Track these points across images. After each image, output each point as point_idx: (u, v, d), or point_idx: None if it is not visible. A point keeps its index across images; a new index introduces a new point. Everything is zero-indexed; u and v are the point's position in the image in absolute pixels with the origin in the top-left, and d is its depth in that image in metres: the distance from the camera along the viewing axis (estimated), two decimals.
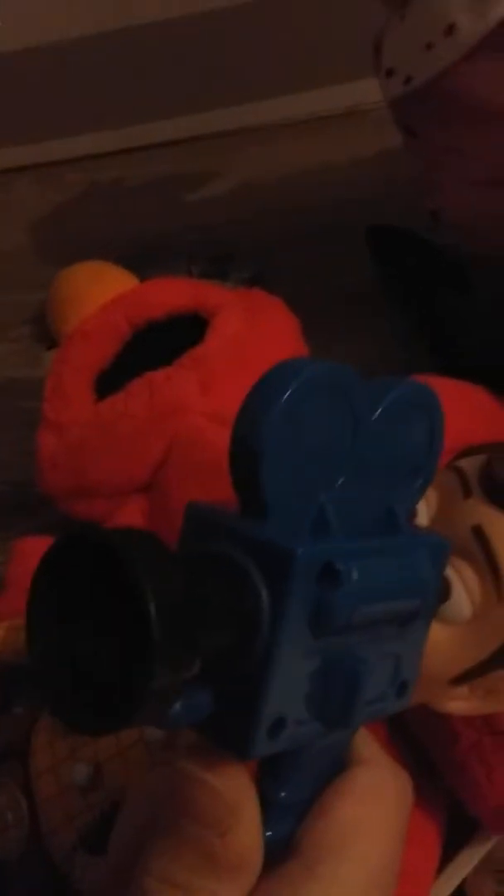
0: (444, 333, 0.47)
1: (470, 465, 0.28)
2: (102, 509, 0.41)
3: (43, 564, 0.17)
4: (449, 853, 0.34)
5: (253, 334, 0.42)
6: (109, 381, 0.44)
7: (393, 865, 0.21)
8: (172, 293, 0.44)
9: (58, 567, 0.17)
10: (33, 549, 0.42)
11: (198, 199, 0.70)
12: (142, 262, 0.58)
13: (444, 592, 0.26)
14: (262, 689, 0.18)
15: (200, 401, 0.40)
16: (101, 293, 0.44)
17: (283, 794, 0.21)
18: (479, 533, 0.26)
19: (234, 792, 0.19)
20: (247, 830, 0.19)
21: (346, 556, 0.19)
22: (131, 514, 0.40)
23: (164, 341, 0.44)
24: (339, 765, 0.22)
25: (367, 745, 0.22)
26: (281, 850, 0.20)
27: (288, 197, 0.68)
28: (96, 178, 0.77)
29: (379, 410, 0.20)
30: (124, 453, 0.40)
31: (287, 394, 0.18)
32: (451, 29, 0.41)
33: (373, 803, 0.21)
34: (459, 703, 0.24)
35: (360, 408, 0.20)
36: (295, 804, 0.21)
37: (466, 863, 0.34)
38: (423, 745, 0.31)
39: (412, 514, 0.24)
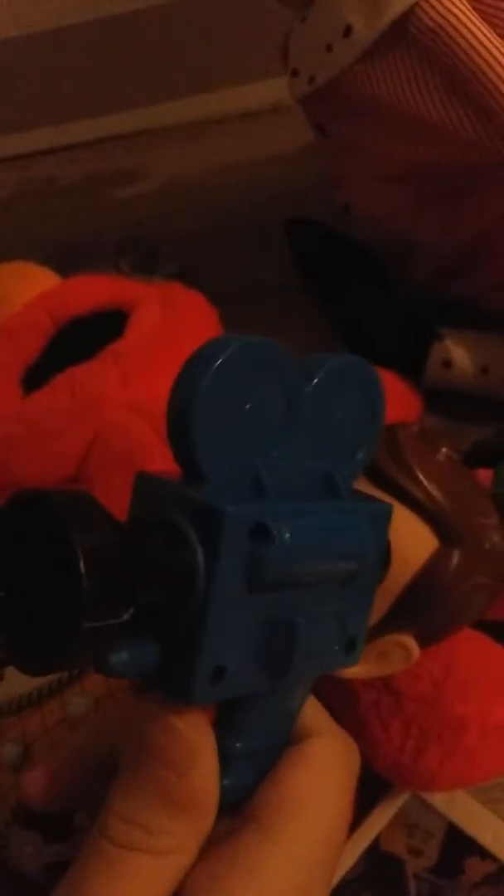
0: (358, 324, 0.49)
1: None
2: None
3: None
4: (366, 810, 0.36)
5: (171, 327, 0.44)
6: (35, 377, 0.45)
7: (344, 827, 0.22)
8: (94, 289, 0.46)
9: (9, 529, 0.19)
10: None
11: (127, 196, 0.72)
12: (71, 259, 0.59)
13: (386, 557, 0.27)
14: (200, 638, 0.20)
15: (121, 393, 0.42)
16: (24, 292, 0.45)
17: (238, 745, 0.22)
18: None
19: (194, 734, 0.21)
20: (203, 772, 0.20)
21: (279, 516, 0.20)
22: None
23: (87, 336, 0.45)
24: (290, 723, 0.23)
25: (320, 716, 0.24)
26: (234, 802, 0.22)
27: (215, 192, 0.69)
28: (27, 176, 0.78)
29: (313, 383, 0.22)
30: (49, 447, 0.42)
31: (215, 366, 0.20)
32: (348, 30, 0.42)
33: (325, 771, 0.23)
34: (354, 668, 0.26)
35: (293, 380, 0.21)
36: (250, 755, 0.22)
37: (380, 818, 0.36)
38: (332, 709, 0.33)
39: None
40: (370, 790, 0.36)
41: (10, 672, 0.35)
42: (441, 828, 0.36)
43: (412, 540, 0.28)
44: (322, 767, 0.23)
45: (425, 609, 0.28)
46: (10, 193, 0.76)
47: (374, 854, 0.35)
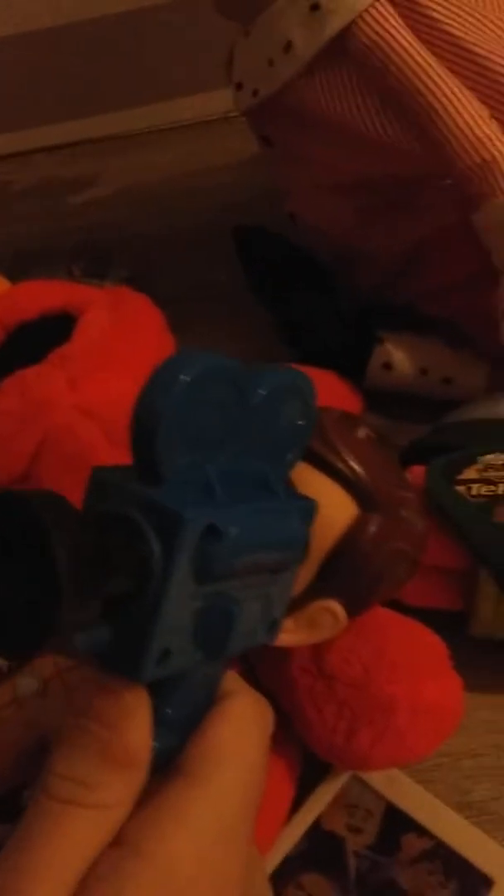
0: (303, 327, 0.51)
1: None
2: None
3: None
4: (308, 790, 0.38)
5: (118, 330, 0.45)
6: None
7: (262, 774, 0.25)
8: (42, 294, 0.47)
9: None
10: None
11: (79, 203, 0.73)
12: (25, 264, 0.60)
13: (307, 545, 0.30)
14: (153, 626, 0.22)
15: (69, 396, 0.43)
16: None
17: (168, 711, 0.24)
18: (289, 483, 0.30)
19: (130, 696, 0.22)
20: (138, 728, 0.22)
21: (227, 517, 0.22)
22: None
23: (36, 340, 0.46)
24: (212, 691, 0.26)
25: (234, 680, 0.26)
26: (164, 763, 0.24)
27: (167, 199, 0.71)
28: None
29: (258, 393, 0.24)
30: (0, 448, 0.43)
31: (181, 383, 0.21)
32: (288, 46, 0.44)
33: (242, 724, 0.25)
34: (287, 636, 0.28)
35: (245, 393, 0.23)
36: (177, 720, 0.24)
37: (321, 798, 0.38)
38: (271, 694, 0.35)
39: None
40: (312, 772, 0.38)
41: None
42: (380, 807, 0.37)
43: (334, 507, 0.31)
44: (237, 721, 0.25)
45: (349, 573, 0.31)
46: None
47: (316, 832, 0.37)
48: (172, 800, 0.23)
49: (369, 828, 0.37)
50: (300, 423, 0.26)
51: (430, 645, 0.35)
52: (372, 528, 0.31)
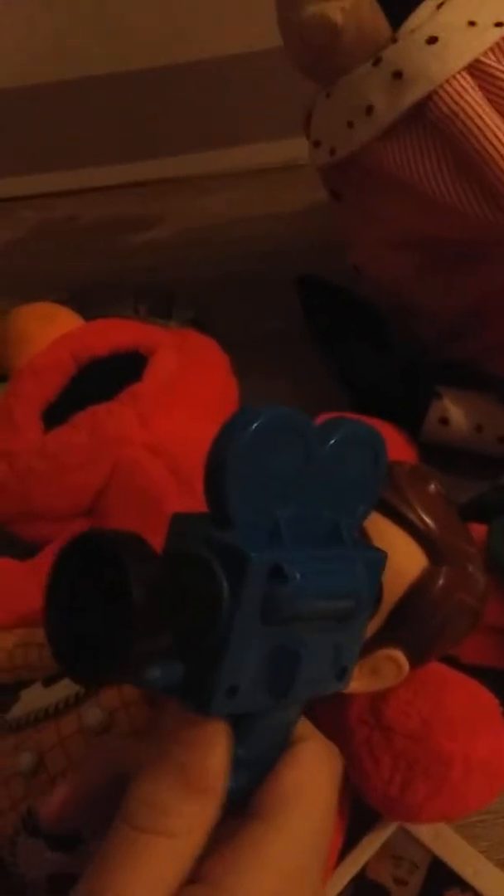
0: (360, 378, 0.52)
1: None
2: (47, 531, 0.45)
3: (57, 560, 0.22)
4: (355, 839, 0.38)
5: (186, 372, 0.47)
6: (56, 414, 0.48)
7: (332, 818, 0.26)
8: (114, 333, 0.49)
9: (70, 562, 0.22)
10: None
11: (142, 242, 0.75)
12: (91, 300, 0.62)
13: (378, 597, 0.30)
14: (220, 660, 0.23)
15: (139, 433, 0.44)
16: (49, 332, 0.48)
17: (240, 752, 0.25)
18: (362, 532, 0.31)
19: (214, 728, 0.24)
20: (218, 757, 0.24)
21: (293, 561, 0.24)
22: None
23: (106, 376, 0.48)
24: (286, 738, 0.27)
25: (307, 726, 0.28)
26: (236, 803, 0.25)
27: (225, 244, 0.73)
28: (49, 216, 0.81)
29: (328, 445, 0.25)
30: (68, 480, 0.44)
31: (251, 431, 0.23)
32: (369, 109, 0.46)
33: (313, 769, 0.26)
34: (351, 683, 0.29)
35: (311, 443, 0.25)
36: (250, 762, 0.26)
37: (368, 848, 0.38)
38: None
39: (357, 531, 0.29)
40: (360, 822, 0.38)
41: (25, 693, 0.37)
42: (425, 860, 0.38)
43: (406, 557, 0.32)
44: (310, 766, 0.26)
45: (415, 623, 0.31)
46: (30, 231, 0.79)
47: (362, 882, 0.37)
48: (250, 841, 0.24)
49: (414, 880, 0.37)
50: (371, 474, 0.27)
51: (485, 702, 0.36)
52: (440, 580, 0.32)
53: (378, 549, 0.28)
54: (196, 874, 0.23)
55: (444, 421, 0.51)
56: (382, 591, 0.31)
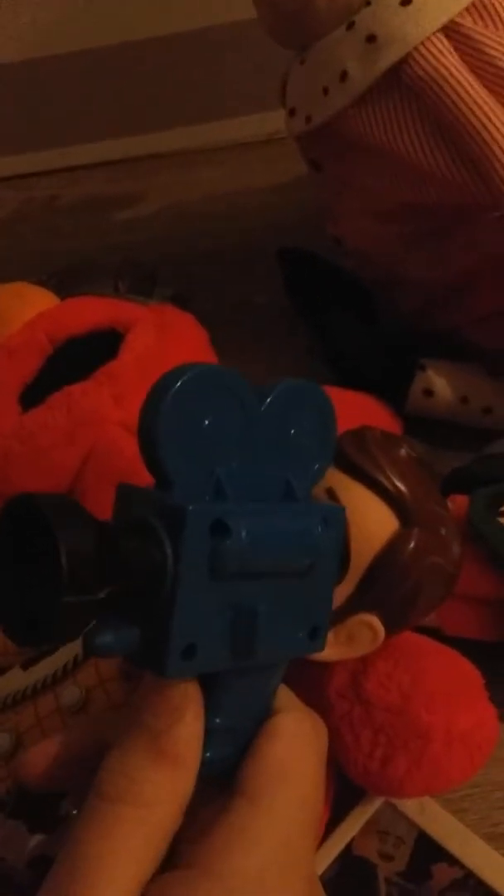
0: (342, 350, 0.52)
1: None
2: None
3: None
4: (341, 814, 0.38)
5: (163, 348, 0.46)
6: (34, 395, 0.47)
7: (320, 789, 0.25)
8: (90, 311, 0.48)
9: (7, 526, 0.22)
10: None
11: (124, 219, 0.74)
12: (71, 279, 0.61)
13: (345, 558, 0.30)
14: (170, 619, 0.23)
15: (115, 412, 0.43)
16: (22, 312, 0.47)
17: (217, 721, 0.25)
18: (330, 494, 0.31)
19: (182, 693, 0.23)
20: (188, 726, 0.23)
21: (236, 515, 0.23)
22: None
23: (83, 355, 0.47)
24: (266, 707, 0.26)
25: (287, 696, 0.27)
26: (217, 773, 0.25)
27: (210, 218, 0.72)
28: (29, 195, 0.80)
29: (266, 404, 0.25)
30: (45, 461, 0.44)
31: (173, 391, 0.23)
32: (344, 75, 0.45)
33: (297, 742, 0.26)
34: (327, 650, 0.28)
35: (248, 401, 0.25)
36: (228, 731, 0.25)
37: (353, 823, 0.38)
38: None
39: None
40: (346, 795, 0.38)
41: (3, 677, 0.37)
42: (411, 834, 0.37)
43: (376, 520, 0.31)
44: (294, 738, 0.26)
45: (388, 586, 0.31)
46: (11, 211, 0.78)
47: (348, 858, 0.37)
48: (237, 822, 0.23)
49: (401, 855, 0.37)
50: (321, 433, 0.27)
51: (467, 674, 0.35)
52: (412, 543, 0.31)
53: (337, 505, 0.27)
54: (184, 858, 0.23)
55: (429, 393, 0.50)
56: (350, 550, 0.30)
